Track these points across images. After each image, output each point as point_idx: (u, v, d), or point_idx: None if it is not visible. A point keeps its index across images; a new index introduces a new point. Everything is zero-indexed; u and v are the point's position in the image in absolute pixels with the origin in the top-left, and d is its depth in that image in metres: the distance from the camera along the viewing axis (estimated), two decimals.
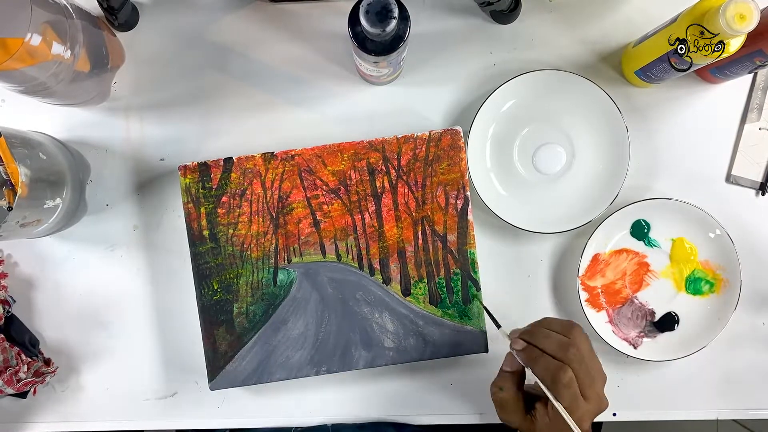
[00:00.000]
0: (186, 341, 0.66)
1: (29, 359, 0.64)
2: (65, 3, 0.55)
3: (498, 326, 0.58)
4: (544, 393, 0.52)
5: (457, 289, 0.63)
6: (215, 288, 0.62)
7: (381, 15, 0.48)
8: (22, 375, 0.63)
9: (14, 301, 0.66)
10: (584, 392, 0.51)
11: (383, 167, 0.62)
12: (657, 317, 0.66)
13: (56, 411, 0.67)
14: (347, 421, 0.67)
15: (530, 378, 0.54)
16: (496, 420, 0.66)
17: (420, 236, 0.63)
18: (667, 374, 0.67)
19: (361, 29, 0.50)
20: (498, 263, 0.66)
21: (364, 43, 0.52)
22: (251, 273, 0.62)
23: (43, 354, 0.66)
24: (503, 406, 0.55)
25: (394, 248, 0.63)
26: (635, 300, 0.66)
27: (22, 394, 0.65)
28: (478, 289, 0.63)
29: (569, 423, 0.49)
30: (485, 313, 0.61)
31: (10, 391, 0.63)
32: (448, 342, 0.62)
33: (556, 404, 0.50)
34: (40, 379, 0.64)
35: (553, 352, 0.51)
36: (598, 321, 0.64)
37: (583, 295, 0.64)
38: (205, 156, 0.65)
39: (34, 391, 0.66)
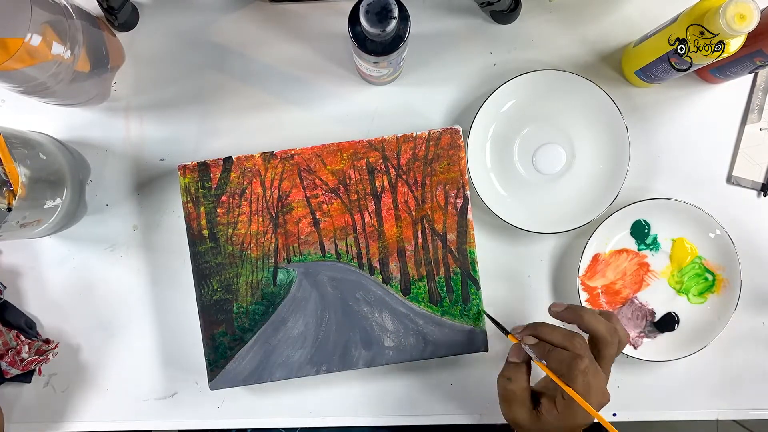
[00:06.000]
0: (186, 341, 0.66)
1: (29, 340, 0.64)
2: (65, 3, 0.55)
3: (506, 333, 0.58)
4: (547, 389, 0.52)
5: (456, 288, 0.63)
6: (215, 287, 0.62)
7: (381, 15, 0.48)
8: (24, 355, 0.63)
9: (5, 288, 0.66)
10: (592, 383, 0.51)
11: (383, 166, 0.62)
12: (657, 317, 0.66)
13: (56, 411, 0.67)
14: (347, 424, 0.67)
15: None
16: (497, 420, 0.66)
17: (420, 235, 0.63)
18: (667, 374, 0.67)
19: (361, 29, 0.50)
20: (498, 263, 0.66)
21: (364, 43, 0.52)
22: (251, 272, 0.62)
23: (41, 335, 0.66)
24: (511, 399, 0.54)
25: (393, 247, 0.63)
26: (635, 300, 0.66)
27: (27, 378, 0.65)
28: (478, 288, 0.63)
29: (586, 408, 0.49)
30: (488, 319, 0.62)
31: (15, 371, 0.63)
32: (448, 341, 0.62)
33: (570, 391, 0.50)
34: (42, 357, 0.64)
35: (561, 344, 0.52)
36: None
37: (583, 295, 0.64)
38: (204, 156, 0.65)
39: (39, 371, 0.66)
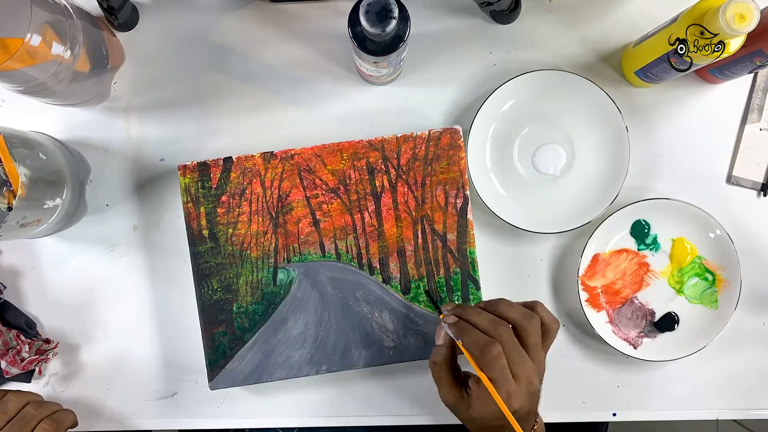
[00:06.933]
0: (186, 341, 0.66)
1: (29, 340, 0.64)
2: (65, 3, 0.55)
3: (439, 312, 0.57)
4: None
5: (456, 288, 0.63)
6: (215, 287, 0.62)
7: (381, 15, 0.48)
8: (24, 354, 0.63)
9: (5, 288, 0.66)
10: (513, 370, 0.50)
11: (383, 166, 0.62)
12: (657, 317, 0.66)
13: None
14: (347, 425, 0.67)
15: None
16: None
17: (420, 235, 0.63)
18: (667, 374, 0.67)
19: (361, 29, 0.50)
20: (498, 263, 0.66)
21: (364, 43, 0.52)
22: (251, 272, 0.62)
23: (41, 335, 0.66)
24: (438, 380, 0.54)
25: (393, 247, 0.63)
26: (635, 300, 0.66)
27: (27, 377, 0.65)
28: (478, 288, 0.63)
29: (492, 394, 0.49)
30: (425, 294, 0.62)
31: (16, 371, 0.63)
32: None
33: (481, 375, 0.49)
34: (43, 357, 0.64)
35: (482, 327, 0.51)
36: (598, 321, 0.64)
37: (583, 295, 0.64)
38: (204, 156, 0.65)
39: (40, 371, 0.66)
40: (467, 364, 0.52)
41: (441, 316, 0.55)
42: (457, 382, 0.54)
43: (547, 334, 0.53)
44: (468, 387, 0.52)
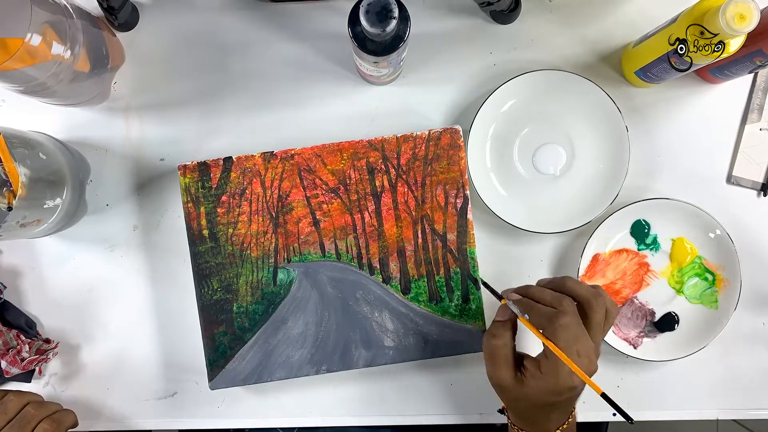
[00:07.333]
0: (186, 341, 0.66)
1: (29, 339, 0.64)
2: (65, 3, 0.55)
3: (499, 298, 0.57)
4: (531, 352, 0.52)
5: (456, 288, 0.63)
6: (215, 287, 0.62)
7: (381, 15, 0.48)
8: (24, 354, 0.63)
9: (5, 288, 0.66)
10: (576, 346, 0.49)
11: (383, 166, 0.62)
12: (657, 317, 0.66)
13: None
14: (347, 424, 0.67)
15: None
16: (496, 420, 0.66)
17: (420, 235, 0.63)
18: (667, 374, 0.67)
19: (361, 29, 0.50)
20: (498, 263, 0.66)
21: (364, 43, 0.52)
22: (251, 272, 0.62)
23: (41, 335, 0.66)
24: (495, 357, 0.53)
25: (393, 247, 0.63)
26: (635, 300, 0.66)
27: (27, 377, 0.65)
28: (478, 288, 0.63)
29: (563, 358, 0.48)
30: (483, 286, 0.62)
31: (16, 371, 0.63)
32: (447, 341, 0.62)
33: (549, 343, 0.49)
34: (43, 356, 0.64)
35: (547, 302, 0.52)
36: None
37: None
38: (204, 155, 0.65)
39: (40, 371, 0.66)
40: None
41: (502, 301, 0.55)
42: (513, 362, 0.53)
43: (608, 317, 0.53)
44: (523, 367, 0.52)
